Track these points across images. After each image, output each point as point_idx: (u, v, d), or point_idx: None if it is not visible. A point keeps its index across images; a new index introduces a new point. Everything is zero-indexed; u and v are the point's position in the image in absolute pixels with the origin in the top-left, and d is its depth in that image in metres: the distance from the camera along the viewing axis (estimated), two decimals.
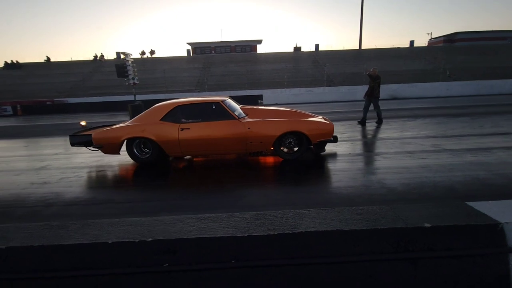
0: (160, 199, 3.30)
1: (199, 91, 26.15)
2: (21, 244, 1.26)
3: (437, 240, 1.39)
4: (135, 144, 4.77)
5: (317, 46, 34.13)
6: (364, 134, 6.80)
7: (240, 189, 3.44)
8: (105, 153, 5.00)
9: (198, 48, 42.17)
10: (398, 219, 1.46)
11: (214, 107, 4.65)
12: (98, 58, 31.60)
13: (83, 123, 10.85)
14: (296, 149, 4.74)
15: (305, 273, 1.30)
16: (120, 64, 10.93)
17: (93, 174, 4.51)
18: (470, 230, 1.41)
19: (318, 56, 31.09)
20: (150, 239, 1.29)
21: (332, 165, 4.41)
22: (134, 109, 10.94)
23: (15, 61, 31.03)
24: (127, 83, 11.36)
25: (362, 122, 7.71)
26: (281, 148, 4.69)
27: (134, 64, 11.47)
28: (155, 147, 4.66)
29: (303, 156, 4.66)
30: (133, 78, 11.23)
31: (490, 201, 1.82)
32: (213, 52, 41.20)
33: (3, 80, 28.46)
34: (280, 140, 4.60)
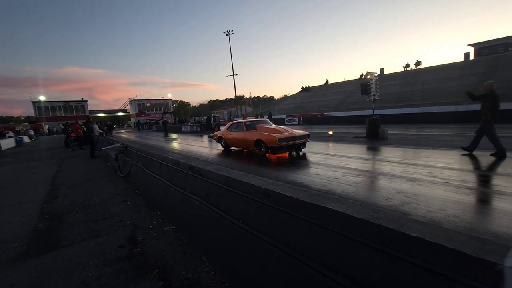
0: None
1: (469, 103, 20.93)
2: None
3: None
4: (222, 139, 9.46)
5: None
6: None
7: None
8: (217, 142, 9.99)
9: (485, 48, 33.20)
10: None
11: (241, 124, 8.50)
12: (363, 77, 35.56)
13: (330, 132, 13.60)
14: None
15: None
16: (365, 83, 12.32)
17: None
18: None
19: None
20: (261, 186, 2.54)
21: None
22: (371, 122, 11.71)
23: (307, 86, 43.45)
24: (368, 100, 12.50)
25: (468, 149, 6.03)
26: (262, 149, 7.29)
27: (378, 82, 12.30)
28: (224, 141, 9.26)
29: None
30: (374, 95, 12.16)
31: None
32: (510, 49, 30.53)
33: (298, 100, 41.32)
34: (258, 143, 7.38)
